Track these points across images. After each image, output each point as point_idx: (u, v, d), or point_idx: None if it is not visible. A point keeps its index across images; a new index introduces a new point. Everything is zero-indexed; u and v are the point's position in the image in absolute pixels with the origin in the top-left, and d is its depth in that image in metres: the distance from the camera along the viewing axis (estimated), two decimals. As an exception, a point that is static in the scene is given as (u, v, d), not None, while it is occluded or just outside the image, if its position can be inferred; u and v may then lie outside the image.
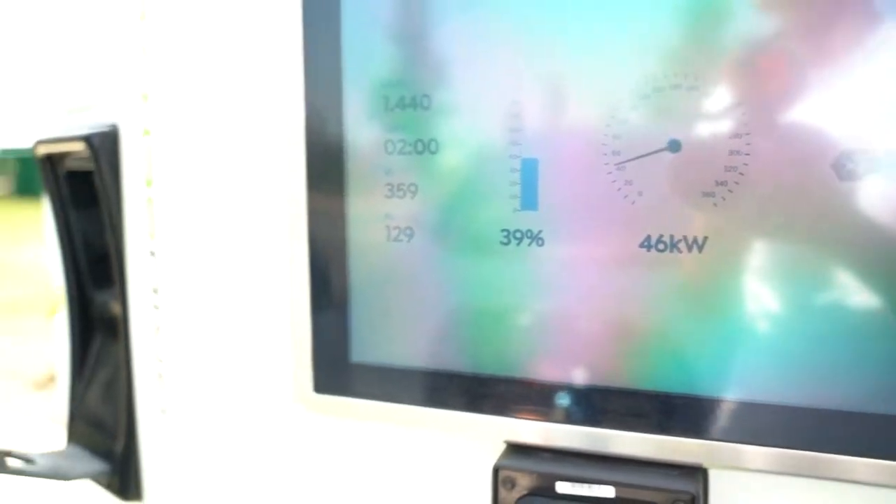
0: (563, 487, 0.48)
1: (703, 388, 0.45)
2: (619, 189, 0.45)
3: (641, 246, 0.45)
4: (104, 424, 0.80)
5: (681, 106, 0.43)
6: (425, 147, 0.51)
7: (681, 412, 0.46)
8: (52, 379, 4.20)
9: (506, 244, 0.49)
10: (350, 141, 0.53)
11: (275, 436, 0.62)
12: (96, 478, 0.75)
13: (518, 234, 0.49)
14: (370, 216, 0.53)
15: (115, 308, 0.79)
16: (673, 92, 0.43)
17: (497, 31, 0.48)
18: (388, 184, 0.53)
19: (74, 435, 0.84)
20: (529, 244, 0.49)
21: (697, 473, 0.47)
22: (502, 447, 0.51)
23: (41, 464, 0.73)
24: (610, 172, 0.46)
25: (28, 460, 0.72)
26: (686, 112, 0.43)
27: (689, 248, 0.44)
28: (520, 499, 0.48)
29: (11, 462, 0.68)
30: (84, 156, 0.75)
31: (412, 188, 0.52)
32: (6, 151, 24.25)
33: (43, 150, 0.84)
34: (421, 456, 0.56)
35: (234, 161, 0.61)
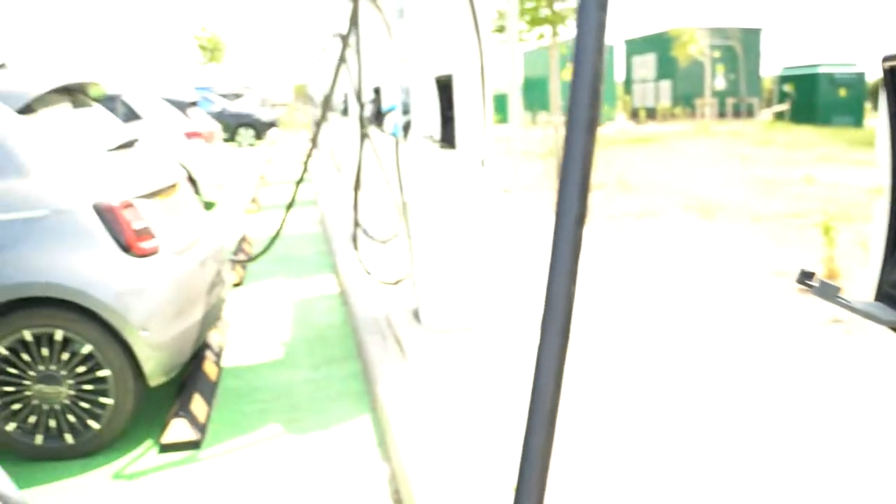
0: None
1: None
2: None
3: None
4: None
5: None
6: None
7: None
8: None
9: None
10: None
11: None
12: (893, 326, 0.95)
13: None
14: None
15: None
16: None
17: None
18: None
19: (879, 296, 1.05)
20: None
21: None
22: None
23: (860, 307, 0.97)
24: None
25: (848, 300, 0.96)
26: None
27: None
28: None
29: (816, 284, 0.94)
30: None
31: None
32: (787, 69, 24.24)
33: (887, 65, 1.04)
34: None
35: None
